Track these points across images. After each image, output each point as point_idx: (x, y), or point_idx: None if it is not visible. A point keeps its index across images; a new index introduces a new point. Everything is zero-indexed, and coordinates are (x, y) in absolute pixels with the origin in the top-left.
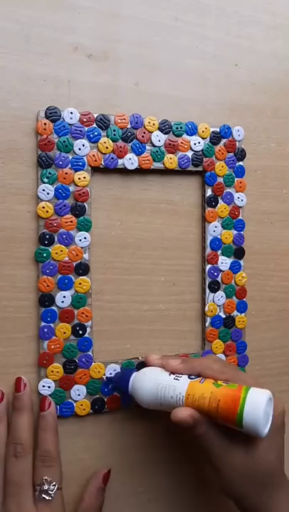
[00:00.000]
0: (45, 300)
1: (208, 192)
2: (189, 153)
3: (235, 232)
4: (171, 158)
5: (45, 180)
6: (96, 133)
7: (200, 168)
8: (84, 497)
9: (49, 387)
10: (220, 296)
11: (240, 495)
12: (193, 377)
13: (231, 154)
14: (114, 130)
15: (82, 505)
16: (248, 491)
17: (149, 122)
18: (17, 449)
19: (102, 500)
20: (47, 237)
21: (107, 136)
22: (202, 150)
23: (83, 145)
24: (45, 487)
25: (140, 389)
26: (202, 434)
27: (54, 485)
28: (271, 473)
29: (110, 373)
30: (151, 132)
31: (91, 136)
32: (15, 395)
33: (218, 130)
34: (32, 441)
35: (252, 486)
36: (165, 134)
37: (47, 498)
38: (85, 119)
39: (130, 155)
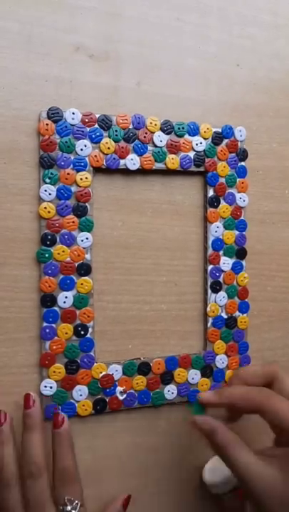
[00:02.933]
0: (47, 300)
1: (210, 192)
2: (191, 154)
3: (237, 232)
4: (173, 158)
5: (47, 180)
6: (98, 133)
7: (202, 169)
8: None
9: (51, 387)
10: (222, 297)
11: None
12: None
13: (233, 155)
14: (116, 130)
15: None
16: None
17: (151, 123)
18: (32, 469)
19: None
20: (49, 237)
21: (109, 137)
22: (204, 150)
23: (85, 145)
24: (68, 508)
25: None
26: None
27: (77, 504)
28: None
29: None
30: (153, 132)
31: (93, 136)
32: (24, 412)
33: (220, 130)
34: (45, 459)
35: None
36: (167, 134)
37: None
38: (86, 120)
39: (132, 155)
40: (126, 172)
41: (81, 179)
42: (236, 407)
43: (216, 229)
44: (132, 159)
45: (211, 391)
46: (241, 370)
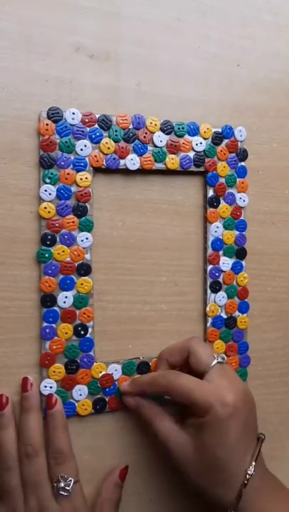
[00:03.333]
0: (47, 300)
1: (210, 192)
2: (191, 154)
3: (237, 232)
4: (172, 158)
5: (47, 180)
6: (98, 133)
7: (202, 169)
8: (100, 491)
9: (51, 387)
10: (221, 297)
11: (198, 486)
12: None
13: (233, 155)
14: (116, 131)
15: (98, 499)
16: (205, 482)
17: (151, 123)
18: (28, 450)
19: (119, 496)
20: (49, 237)
21: (109, 137)
22: (204, 150)
23: (85, 145)
24: (62, 484)
25: None
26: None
27: (70, 480)
28: (223, 463)
29: None
30: (153, 133)
31: (93, 136)
32: (22, 395)
33: (220, 130)
34: (42, 439)
35: (207, 476)
36: (167, 134)
37: (64, 494)
38: (86, 120)
39: (132, 155)
40: (126, 172)
41: (81, 179)
42: (147, 393)
43: (216, 229)
44: (131, 159)
45: (128, 381)
46: (163, 350)
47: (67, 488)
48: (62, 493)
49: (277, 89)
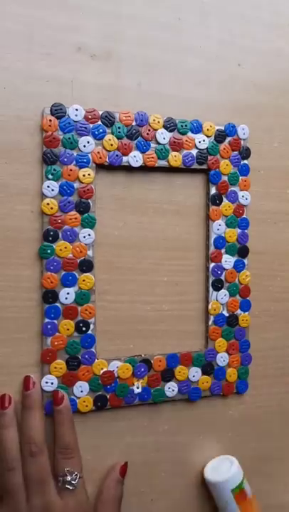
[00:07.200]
0: (49, 296)
1: (213, 190)
2: (194, 151)
3: (239, 230)
4: (175, 156)
5: (50, 176)
6: (101, 130)
7: (204, 166)
8: (101, 489)
9: (52, 383)
10: (223, 295)
11: None
12: None
13: (236, 153)
14: (119, 127)
15: (100, 497)
16: None
17: (154, 120)
18: (32, 448)
19: (121, 493)
20: (51, 233)
21: (112, 134)
22: (207, 148)
23: (88, 142)
24: (68, 478)
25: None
26: None
27: (76, 475)
28: None
29: None
30: (156, 130)
31: (96, 133)
32: (24, 393)
33: (223, 128)
34: (45, 437)
35: None
36: (170, 131)
37: (70, 488)
38: (90, 116)
39: (135, 152)
40: (128, 169)
41: (84, 176)
42: None
43: (218, 227)
44: (134, 156)
45: None
46: None
47: (73, 482)
48: (68, 487)
49: (278, 88)
